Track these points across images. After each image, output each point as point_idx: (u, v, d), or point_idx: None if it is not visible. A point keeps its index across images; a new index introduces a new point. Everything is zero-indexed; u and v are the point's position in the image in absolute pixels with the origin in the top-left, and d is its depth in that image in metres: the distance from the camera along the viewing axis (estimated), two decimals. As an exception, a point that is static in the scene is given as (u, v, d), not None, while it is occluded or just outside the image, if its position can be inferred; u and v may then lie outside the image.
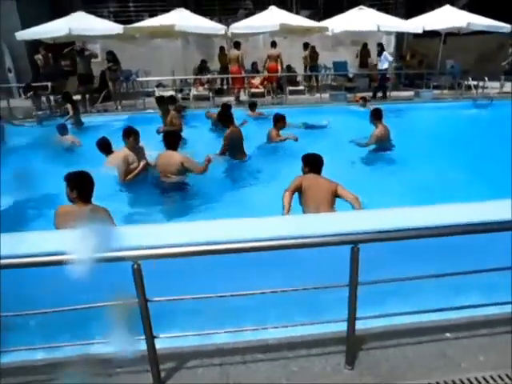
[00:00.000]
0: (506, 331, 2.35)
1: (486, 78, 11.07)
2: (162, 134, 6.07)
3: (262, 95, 12.48)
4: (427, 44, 14.71)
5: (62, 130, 6.90)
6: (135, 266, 1.76)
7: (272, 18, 12.01)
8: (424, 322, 2.41)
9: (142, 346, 1.92)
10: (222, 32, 11.88)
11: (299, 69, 14.07)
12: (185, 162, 5.04)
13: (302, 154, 4.20)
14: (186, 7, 13.87)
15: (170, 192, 5.07)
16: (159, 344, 1.98)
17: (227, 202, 4.80)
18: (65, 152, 6.58)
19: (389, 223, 2.41)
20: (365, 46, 13.76)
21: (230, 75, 12.74)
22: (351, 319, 2.03)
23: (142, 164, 5.15)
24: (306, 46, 13.57)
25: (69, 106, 8.23)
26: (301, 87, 13.04)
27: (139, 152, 5.27)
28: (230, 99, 12.23)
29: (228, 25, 12.55)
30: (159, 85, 13.31)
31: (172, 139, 5.24)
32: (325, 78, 14.41)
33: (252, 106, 9.04)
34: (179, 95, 12.33)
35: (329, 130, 8.08)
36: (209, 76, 12.87)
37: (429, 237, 1.99)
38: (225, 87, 13.72)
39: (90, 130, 7.97)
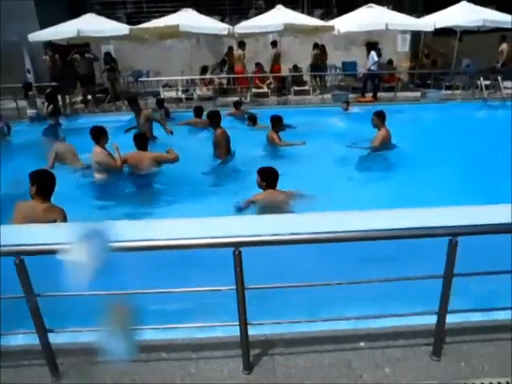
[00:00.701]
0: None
1: (500, 78, 10.43)
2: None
3: (265, 95, 12.34)
4: (446, 42, 14.09)
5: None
6: (236, 252, 1.85)
7: (277, 17, 11.84)
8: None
9: (235, 331, 2.06)
10: (226, 32, 11.82)
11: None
12: (155, 158, 5.54)
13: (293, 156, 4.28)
14: (198, 7, 14.01)
15: (144, 183, 5.54)
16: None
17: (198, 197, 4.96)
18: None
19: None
20: (374, 45, 13.33)
21: (231, 75, 12.71)
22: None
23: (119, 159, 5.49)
24: (315, 45, 13.31)
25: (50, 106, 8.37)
26: (306, 87, 12.79)
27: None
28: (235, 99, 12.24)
29: (240, 25, 12.52)
30: (165, 85, 13.42)
31: (142, 140, 5.67)
32: (333, 78, 14.09)
33: (237, 105, 8.94)
34: (184, 95, 12.41)
35: (326, 131, 7.85)
36: (211, 76, 12.85)
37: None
38: (231, 87, 13.64)
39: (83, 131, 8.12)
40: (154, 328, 2.25)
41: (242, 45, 12.76)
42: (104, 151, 5.51)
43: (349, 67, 13.82)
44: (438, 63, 13.70)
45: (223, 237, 1.90)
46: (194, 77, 13.04)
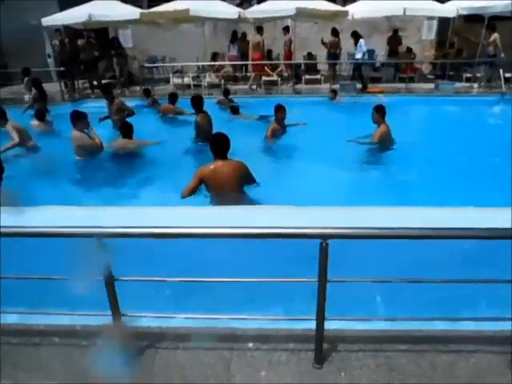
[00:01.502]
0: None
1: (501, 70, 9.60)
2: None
3: (275, 83, 12.09)
4: (477, 30, 13.15)
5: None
6: (324, 245, 1.79)
7: (289, 1, 11.45)
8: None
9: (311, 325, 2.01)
10: (236, 16, 11.61)
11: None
12: (140, 144, 6.03)
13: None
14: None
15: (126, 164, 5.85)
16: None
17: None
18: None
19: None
20: (395, 32, 12.71)
21: (242, 63, 12.50)
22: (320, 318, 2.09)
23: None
24: (334, 31, 12.79)
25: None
26: (317, 76, 12.39)
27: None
28: (245, 87, 12.09)
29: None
30: (176, 71, 13.43)
31: (127, 129, 6.04)
32: (350, 67, 13.54)
33: (225, 93, 8.82)
34: (193, 82, 12.38)
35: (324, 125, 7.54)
36: (222, 63, 12.71)
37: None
38: (241, 75, 13.45)
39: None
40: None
41: (260, 30, 12.48)
42: (83, 134, 5.61)
43: (368, 55, 13.18)
44: (464, 53, 12.85)
45: (310, 227, 1.84)
46: (203, 63, 12.94)
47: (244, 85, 12.44)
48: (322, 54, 13.38)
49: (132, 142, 6.07)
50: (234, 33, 13.02)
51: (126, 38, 15.39)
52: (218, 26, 15.23)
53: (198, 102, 6.43)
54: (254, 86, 12.13)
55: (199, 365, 2.09)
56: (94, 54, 11.76)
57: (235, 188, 3.68)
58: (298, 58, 13.05)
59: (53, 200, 3.53)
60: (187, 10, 11.20)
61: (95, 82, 11.56)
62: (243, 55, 13.08)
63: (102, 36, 14.32)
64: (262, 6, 12.25)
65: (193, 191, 3.70)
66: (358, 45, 11.49)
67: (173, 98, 8.38)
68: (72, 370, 2.07)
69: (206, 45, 13.58)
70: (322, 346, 2.05)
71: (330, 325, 2.03)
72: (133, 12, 11.99)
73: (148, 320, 2.21)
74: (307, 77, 12.24)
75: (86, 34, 11.61)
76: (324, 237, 1.79)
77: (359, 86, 10.77)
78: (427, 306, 2.23)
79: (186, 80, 12.42)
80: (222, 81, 12.04)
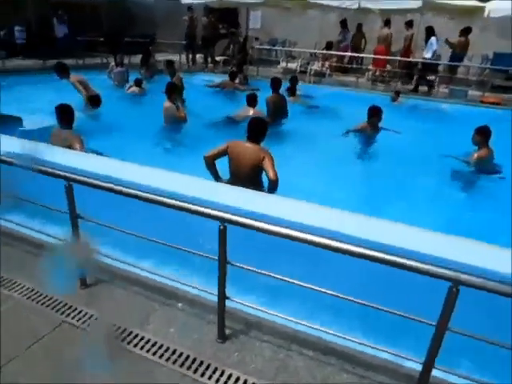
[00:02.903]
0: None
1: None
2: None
3: (383, 81, 11.44)
4: None
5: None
6: (221, 227, 1.94)
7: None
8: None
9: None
10: (356, 6, 11.22)
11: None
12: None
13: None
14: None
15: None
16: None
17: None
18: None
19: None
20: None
21: (358, 55, 12.08)
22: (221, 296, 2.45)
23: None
24: (464, 30, 11.42)
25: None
26: (432, 77, 11.27)
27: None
28: (351, 79, 11.70)
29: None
30: (289, 56, 13.65)
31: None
32: (476, 71, 11.98)
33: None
34: (300, 68, 12.48)
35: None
36: (335, 52, 12.45)
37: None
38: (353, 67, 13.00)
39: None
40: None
41: (387, 23, 11.96)
42: (172, 105, 6.31)
43: (503, 60, 11.48)
44: None
45: (211, 209, 1.95)
46: (316, 51, 12.89)
47: (352, 77, 12.03)
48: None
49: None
50: (343, 22, 12.60)
51: (256, 19, 16.21)
52: (345, 14, 14.88)
53: (275, 83, 6.93)
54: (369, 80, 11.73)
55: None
56: (216, 32, 12.65)
57: (248, 173, 3.72)
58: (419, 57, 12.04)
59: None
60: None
61: (209, 59, 12.50)
62: (354, 47, 12.65)
63: (229, 16, 15.31)
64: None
65: (214, 156, 3.84)
66: (429, 42, 10.25)
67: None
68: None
69: (327, 33, 13.45)
70: (223, 322, 2.19)
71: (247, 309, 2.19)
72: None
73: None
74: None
75: (208, 13, 12.54)
76: (223, 220, 1.91)
77: (473, 93, 9.51)
78: (345, 321, 2.16)
79: (293, 65, 12.57)
80: (328, 70, 11.84)
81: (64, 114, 4.17)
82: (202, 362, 2.07)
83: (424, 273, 1.62)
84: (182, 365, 2.05)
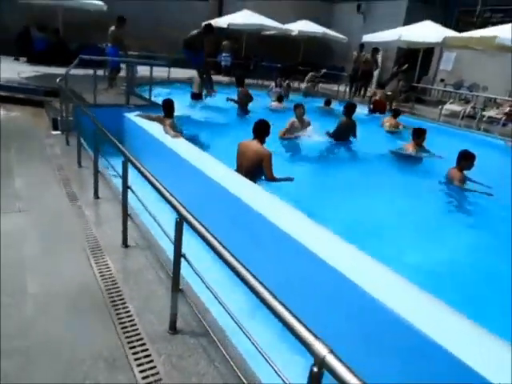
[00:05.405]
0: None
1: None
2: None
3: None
4: None
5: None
6: (178, 220, 1.97)
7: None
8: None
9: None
10: None
11: None
12: None
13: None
14: None
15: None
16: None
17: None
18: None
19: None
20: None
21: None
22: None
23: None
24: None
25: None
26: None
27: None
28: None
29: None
30: (462, 99, 12.25)
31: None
32: None
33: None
34: (469, 111, 11.12)
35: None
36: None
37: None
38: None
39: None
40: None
41: None
42: (297, 121, 6.91)
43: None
44: None
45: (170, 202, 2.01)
46: (498, 97, 11.23)
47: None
48: None
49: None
50: None
51: (448, 61, 15.34)
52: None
53: (350, 108, 7.10)
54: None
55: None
56: (372, 68, 12.75)
57: (249, 170, 3.80)
58: None
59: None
60: (493, 38, 9.90)
61: (362, 91, 12.59)
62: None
63: (412, 56, 14.58)
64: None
65: None
66: None
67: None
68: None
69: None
70: (175, 316, 2.22)
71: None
72: (437, 35, 11.64)
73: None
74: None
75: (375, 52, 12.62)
76: (180, 214, 1.95)
77: None
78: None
79: (458, 108, 11.29)
80: (503, 117, 10.19)
81: (166, 106, 5.43)
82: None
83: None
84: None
